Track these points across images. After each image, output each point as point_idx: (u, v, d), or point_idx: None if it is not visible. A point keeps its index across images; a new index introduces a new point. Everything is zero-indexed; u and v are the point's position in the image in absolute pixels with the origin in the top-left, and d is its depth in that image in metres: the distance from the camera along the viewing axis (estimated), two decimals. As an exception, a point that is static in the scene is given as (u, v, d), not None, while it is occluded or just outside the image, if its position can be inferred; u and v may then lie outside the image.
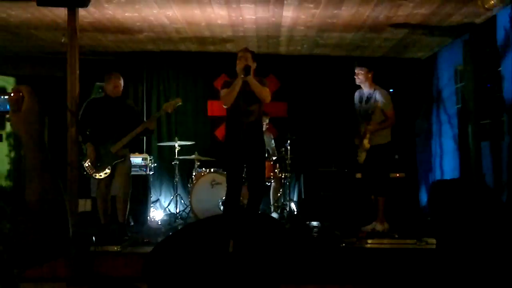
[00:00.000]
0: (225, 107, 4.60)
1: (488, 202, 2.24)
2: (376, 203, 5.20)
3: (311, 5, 5.15)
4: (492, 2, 4.41)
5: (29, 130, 1.23)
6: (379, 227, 5.08)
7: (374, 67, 5.28)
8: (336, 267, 4.20)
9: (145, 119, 5.78)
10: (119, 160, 4.96)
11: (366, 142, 5.06)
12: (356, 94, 5.33)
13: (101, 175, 4.92)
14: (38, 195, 1.17)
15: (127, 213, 5.12)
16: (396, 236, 4.73)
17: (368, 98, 5.14)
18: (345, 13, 5.36)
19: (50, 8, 4.98)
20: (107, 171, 4.92)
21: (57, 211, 1.17)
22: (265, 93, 4.58)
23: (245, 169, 4.77)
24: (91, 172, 4.90)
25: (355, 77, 5.14)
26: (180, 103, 5.16)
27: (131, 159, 6.27)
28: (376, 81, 5.28)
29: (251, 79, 4.48)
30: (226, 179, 4.69)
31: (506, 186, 5.17)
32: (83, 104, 5.04)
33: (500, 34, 5.28)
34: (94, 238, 4.46)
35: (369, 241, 4.57)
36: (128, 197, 5.06)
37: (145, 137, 7.14)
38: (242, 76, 4.43)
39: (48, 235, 1.14)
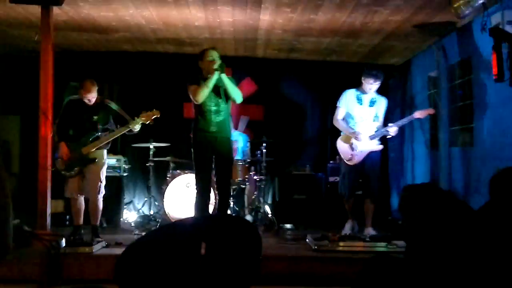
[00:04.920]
0: (197, 103, 4.55)
1: (456, 207, 2.30)
2: (359, 208, 5.33)
3: (288, 9, 5.19)
4: (463, 8, 4.53)
5: None
6: (372, 231, 5.21)
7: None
8: (307, 269, 4.23)
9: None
10: (89, 162, 4.92)
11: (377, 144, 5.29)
12: (350, 95, 5.35)
13: (71, 174, 4.90)
14: None
15: (99, 216, 5.07)
16: (367, 239, 4.80)
17: (372, 102, 5.30)
18: (322, 18, 5.43)
19: (23, 5, 4.90)
20: (75, 170, 4.89)
21: None
22: (237, 92, 4.62)
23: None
24: (60, 169, 4.88)
25: (370, 84, 5.22)
26: (157, 116, 5.06)
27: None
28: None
29: (225, 77, 4.52)
30: (195, 180, 4.68)
31: (475, 191, 5.29)
32: (63, 104, 5.04)
33: (472, 42, 5.42)
34: (65, 239, 4.40)
35: (341, 244, 4.62)
36: (100, 200, 5.00)
37: (119, 138, 7.09)
38: (218, 72, 4.46)
39: None
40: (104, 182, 5.07)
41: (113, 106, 5.15)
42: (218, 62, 4.51)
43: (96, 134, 4.98)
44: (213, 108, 4.55)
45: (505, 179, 2.34)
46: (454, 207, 2.30)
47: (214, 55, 4.58)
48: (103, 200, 5.09)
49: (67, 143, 4.94)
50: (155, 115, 5.04)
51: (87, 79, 5.04)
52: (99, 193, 4.98)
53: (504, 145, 4.77)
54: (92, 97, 4.99)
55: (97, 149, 4.97)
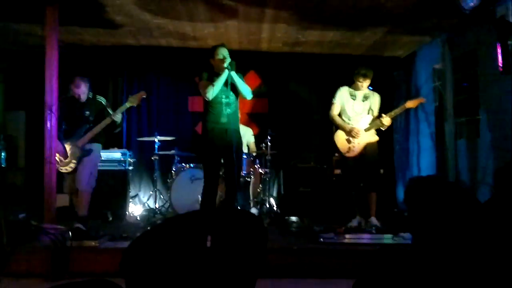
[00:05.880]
0: (208, 99, 4.59)
1: (463, 199, 2.29)
2: (363, 199, 5.33)
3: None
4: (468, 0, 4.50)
5: None
6: (375, 221, 5.19)
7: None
8: (313, 262, 4.24)
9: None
10: (84, 155, 4.96)
11: (373, 136, 5.32)
12: (344, 92, 5.42)
13: (67, 169, 4.95)
14: None
15: (87, 207, 5.01)
16: (373, 231, 4.80)
17: (366, 97, 5.38)
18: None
19: (29, 1, 4.91)
20: (72, 165, 4.93)
21: None
22: (248, 89, 4.69)
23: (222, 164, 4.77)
24: (58, 166, 4.91)
25: (360, 83, 5.30)
26: (144, 96, 5.17)
27: (111, 153, 6.23)
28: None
29: (235, 75, 4.58)
30: (204, 174, 4.69)
31: (481, 183, 5.27)
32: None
33: (478, 34, 5.38)
34: (70, 233, 4.43)
35: (347, 236, 4.62)
36: (89, 191, 4.99)
37: (125, 132, 7.13)
38: (228, 70, 4.51)
39: None
40: (95, 175, 5.05)
41: (103, 101, 5.23)
42: (228, 60, 4.58)
43: (88, 126, 5.03)
44: (224, 101, 4.62)
45: (509, 173, 2.33)
46: (461, 199, 2.29)
47: (224, 52, 4.64)
48: (107, 194, 5.10)
49: (61, 140, 5.00)
50: (142, 95, 5.14)
51: (77, 75, 5.13)
52: (88, 184, 4.96)
53: (510, 137, 4.74)
54: (81, 92, 5.05)
55: (92, 141, 5.01)
